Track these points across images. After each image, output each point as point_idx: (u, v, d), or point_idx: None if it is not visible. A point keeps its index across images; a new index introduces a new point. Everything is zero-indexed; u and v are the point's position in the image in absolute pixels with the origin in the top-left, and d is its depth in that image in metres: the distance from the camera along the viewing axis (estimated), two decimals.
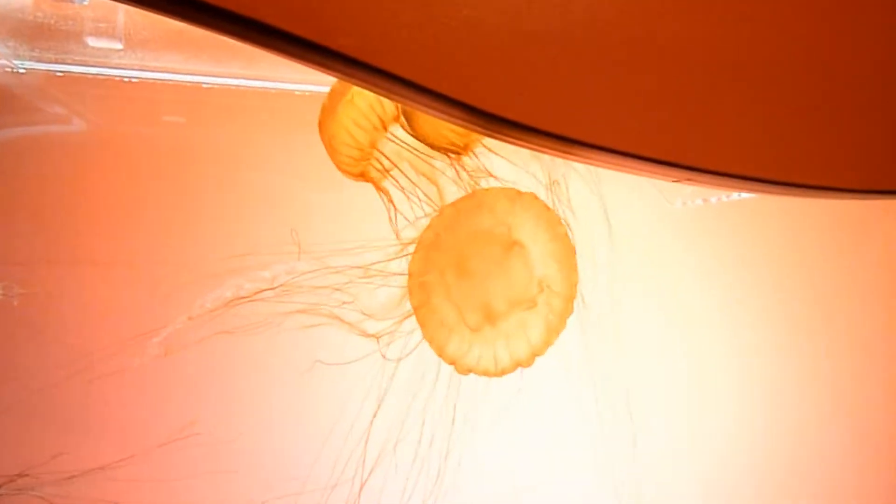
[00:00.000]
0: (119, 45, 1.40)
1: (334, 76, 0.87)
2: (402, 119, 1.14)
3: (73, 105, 1.79)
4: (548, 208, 1.11)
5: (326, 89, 1.52)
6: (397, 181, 1.19)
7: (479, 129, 0.88)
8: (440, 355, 1.12)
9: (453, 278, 1.08)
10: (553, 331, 1.11)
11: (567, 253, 1.10)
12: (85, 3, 1.21)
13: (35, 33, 1.38)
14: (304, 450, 1.60)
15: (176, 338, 1.41)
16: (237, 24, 0.80)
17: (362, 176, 1.19)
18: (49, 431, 1.51)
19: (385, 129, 1.15)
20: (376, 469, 1.41)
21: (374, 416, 1.37)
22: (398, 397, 1.37)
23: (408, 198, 1.18)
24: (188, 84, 1.57)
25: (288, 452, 1.64)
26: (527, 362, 1.14)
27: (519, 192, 1.11)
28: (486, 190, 1.11)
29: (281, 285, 1.33)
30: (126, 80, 1.54)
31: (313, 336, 1.36)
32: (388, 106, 1.12)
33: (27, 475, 1.33)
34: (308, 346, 1.42)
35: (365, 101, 1.12)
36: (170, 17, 0.87)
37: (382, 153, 1.17)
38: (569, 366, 1.38)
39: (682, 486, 1.90)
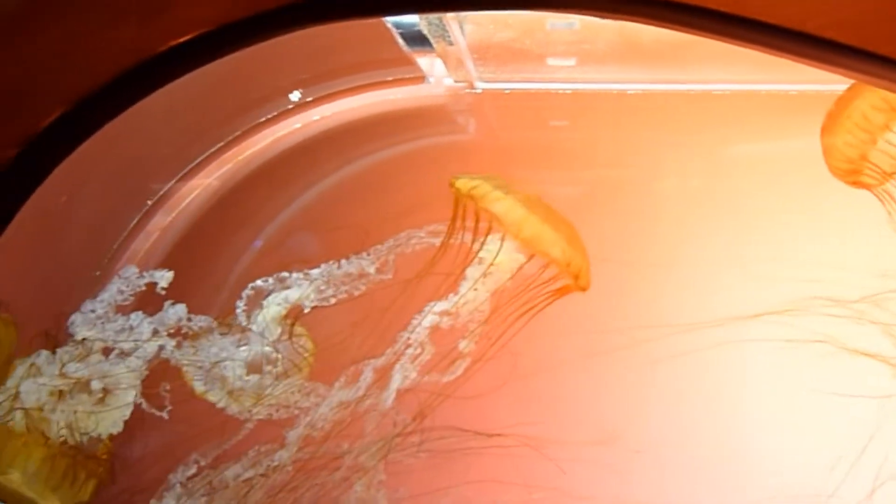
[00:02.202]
0: (572, 62, 1.62)
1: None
2: None
3: (489, 116, 2.06)
4: None
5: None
6: None
7: None
8: None
9: None
10: None
11: None
12: (575, 26, 1.43)
13: (509, 58, 1.65)
14: (788, 467, 1.69)
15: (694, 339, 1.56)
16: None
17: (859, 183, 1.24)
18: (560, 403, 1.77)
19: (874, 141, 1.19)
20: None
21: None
22: None
23: None
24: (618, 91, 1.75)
25: (771, 466, 1.72)
26: None
27: None
28: None
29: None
30: (564, 91, 1.76)
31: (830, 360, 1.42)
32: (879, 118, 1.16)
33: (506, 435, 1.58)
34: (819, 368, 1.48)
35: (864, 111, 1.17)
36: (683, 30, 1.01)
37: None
38: None
39: None
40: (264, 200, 1.97)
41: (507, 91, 1.83)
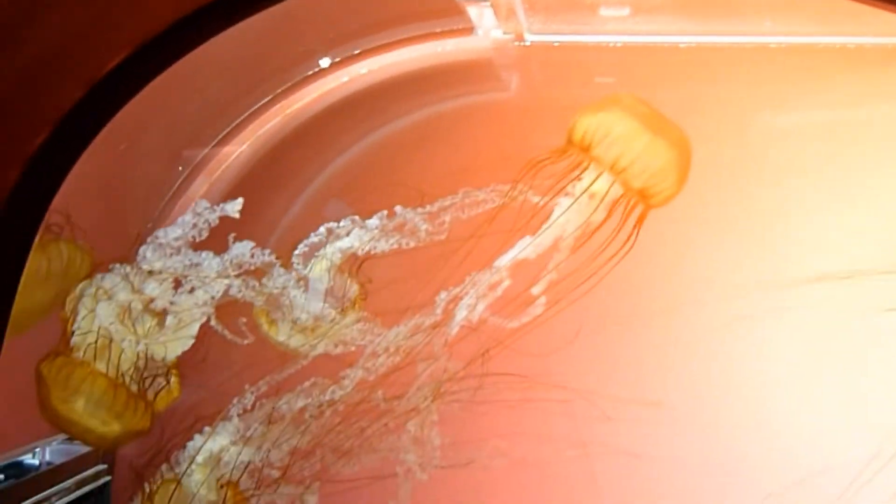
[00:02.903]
0: (626, 12, 1.59)
1: None
2: None
3: (534, 71, 2.03)
4: None
5: None
6: None
7: None
8: None
9: None
10: None
11: None
12: None
13: (561, 7, 1.64)
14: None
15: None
16: None
17: None
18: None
19: None
20: None
21: None
22: None
23: None
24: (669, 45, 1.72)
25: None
26: None
27: None
28: None
29: None
30: (615, 44, 1.74)
31: None
32: None
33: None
34: None
35: None
36: None
37: None
38: None
39: None
40: (316, 152, 1.99)
41: (555, 44, 1.81)
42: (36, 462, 1.62)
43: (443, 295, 1.28)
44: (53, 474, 1.60)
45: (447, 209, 1.42)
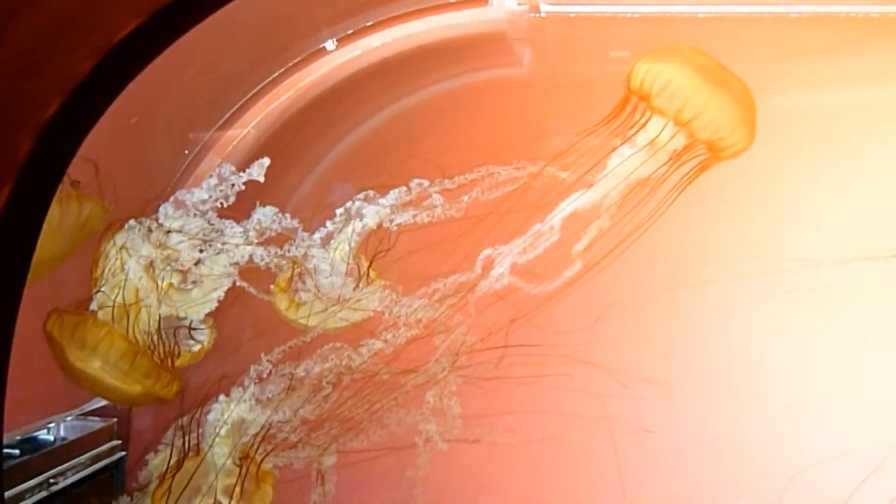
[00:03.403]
0: None
1: None
2: None
3: (548, 44, 1.99)
4: None
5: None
6: None
7: None
8: None
9: None
10: None
11: None
12: None
13: None
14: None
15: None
16: None
17: None
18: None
19: None
20: None
21: None
22: None
23: None
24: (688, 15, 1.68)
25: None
26: None
27: None
28: None
29: None
30: (632, 15, 1.70)
31: None
32: None
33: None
34: None
35: None
36: None
37: None
38: None
39: None
40: (327, 128, 1.97)
41: (572, 14, 1.78)
42: (50, 437, 1.62)
43: (486, 252, 1.27)
44: (68, 449, 1.60)
45: (468, 186, 1.41)
